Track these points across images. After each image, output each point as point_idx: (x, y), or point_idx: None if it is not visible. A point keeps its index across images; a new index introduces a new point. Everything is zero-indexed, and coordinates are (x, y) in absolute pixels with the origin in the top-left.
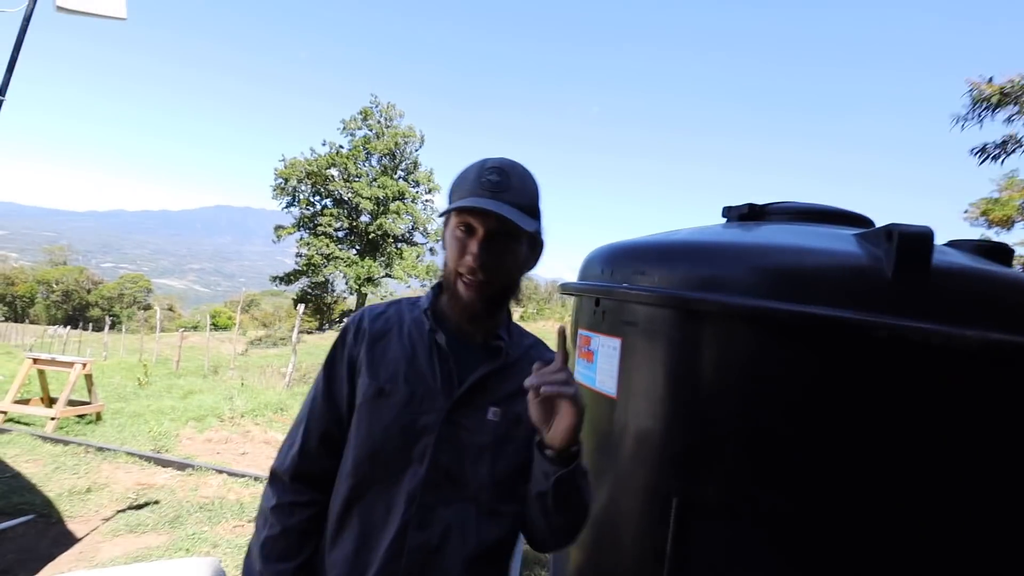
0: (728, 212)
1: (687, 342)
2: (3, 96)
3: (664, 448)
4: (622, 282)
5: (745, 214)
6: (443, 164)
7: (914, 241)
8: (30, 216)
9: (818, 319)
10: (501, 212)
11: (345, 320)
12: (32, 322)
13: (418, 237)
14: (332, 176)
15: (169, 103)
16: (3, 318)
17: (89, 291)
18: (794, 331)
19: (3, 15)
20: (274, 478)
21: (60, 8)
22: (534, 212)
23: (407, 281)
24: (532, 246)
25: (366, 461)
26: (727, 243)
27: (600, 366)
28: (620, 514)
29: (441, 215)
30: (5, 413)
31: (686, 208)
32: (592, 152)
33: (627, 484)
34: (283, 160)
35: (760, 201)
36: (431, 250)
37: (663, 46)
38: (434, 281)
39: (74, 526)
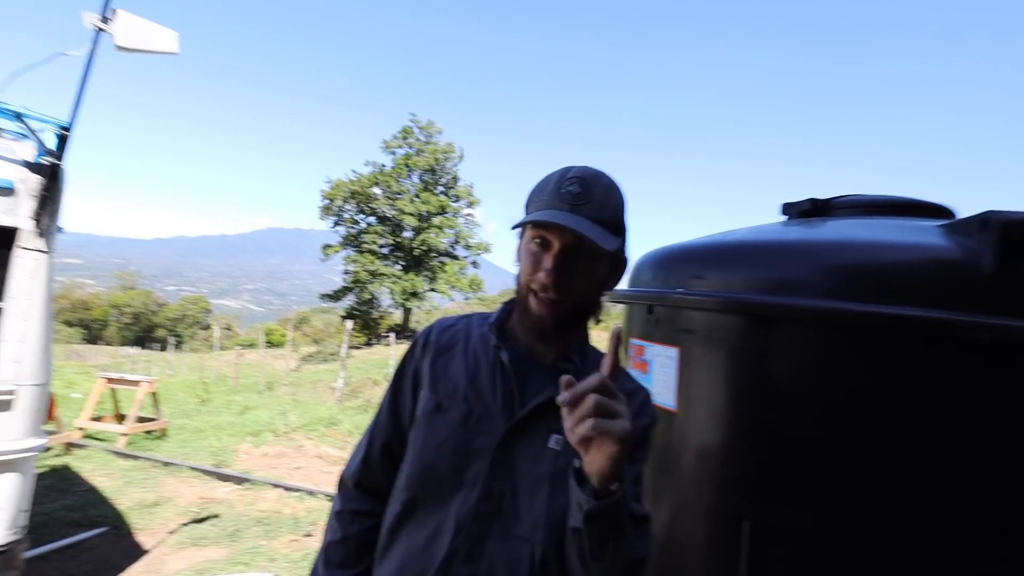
0: (788, 209)
1: (753, 350)
2: (71, 132)
3: (731, 466)
4: (676, 287)
5: (807, 210)
6: (483, 177)
7: (1018, 229)
8: (103, 245)
9: (906, 321)
10: (579, 229)
11: (391, 335)
12: (106, 343)
13: (460, 251)
14: (375, 194)
15: (223, 135)
16: (81, 340)
17: (155, 313)
18: (879, 335)
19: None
20: (341, 484)
21: (119, 47)
22: (617, 228)
23: (450, 295)
24: (614, 264)
25: (418, 478)
26: (792, 241)
27: (656, 377)
28: (683, 538)
29: (515, 227)
30: (83, 430)
31: (728, 217)
32: (632, 159)
33: (690, 505)
34: (328, 182)
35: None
36: (473, 263)
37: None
38: (478, 294)
39: (143, 538)
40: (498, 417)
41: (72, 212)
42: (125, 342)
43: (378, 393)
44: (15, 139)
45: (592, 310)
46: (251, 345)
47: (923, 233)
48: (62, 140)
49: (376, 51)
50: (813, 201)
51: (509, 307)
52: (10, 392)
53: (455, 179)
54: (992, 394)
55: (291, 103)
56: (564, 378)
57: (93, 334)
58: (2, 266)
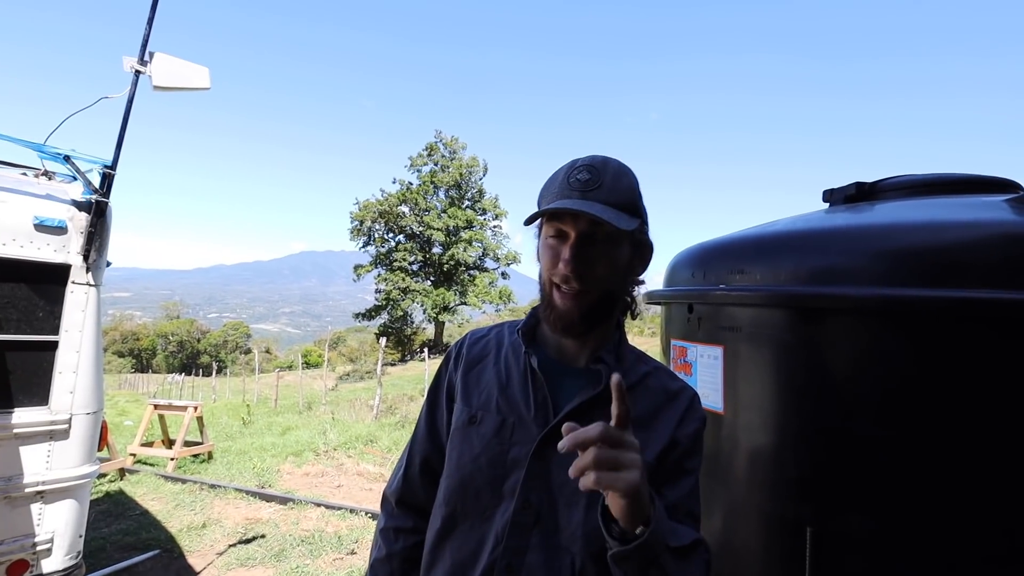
0: (831, 195)
1: (804, 345)
2: (114, 171)
3: (787, 469)
4: (717, 284)
5: (852, 195)
6: (508, 189)
7: None
8: (148, 278)
9: (975, 304)
10: (592, 212)
11: (424, 350)
12: (155, 371)
13: (489, 263)
14: (403, 213)
15: (254, 167)
16: (132, 370)
17: (199, 340)
18: (943, 322)
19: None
20: (384, 501)
21: (156, 87)
22: (632, 210)
23: (481, 307)
24: (636, 249)
25: (456, 493)
26: (840, 228)
27: (701, 378)
28: (738, 544)
29: (527, 222)
30: (134, 455)
31: (759, 211)
32: (656, 160)
33: (745, 512)
34: (356, 203)
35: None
36: (503, 275)
37: (718, 46)
38: (508, 305)
39: (193, 560)
40: (532, 425)
41: (119, 248)
42: (172, 369)
43: (414, 409)
44: (65, 181)
45: (620, 300)
46: (290, 367)
47: (989, 209)
48: (106, 179)
49: (400, 77)
50: (858, 185)
51: (537, 313)
52: (65, 422)
53: (481, 192)
54: None
55: (318, 128)
56: (566, 425)
57: (143, 363)
58: (56, 301)
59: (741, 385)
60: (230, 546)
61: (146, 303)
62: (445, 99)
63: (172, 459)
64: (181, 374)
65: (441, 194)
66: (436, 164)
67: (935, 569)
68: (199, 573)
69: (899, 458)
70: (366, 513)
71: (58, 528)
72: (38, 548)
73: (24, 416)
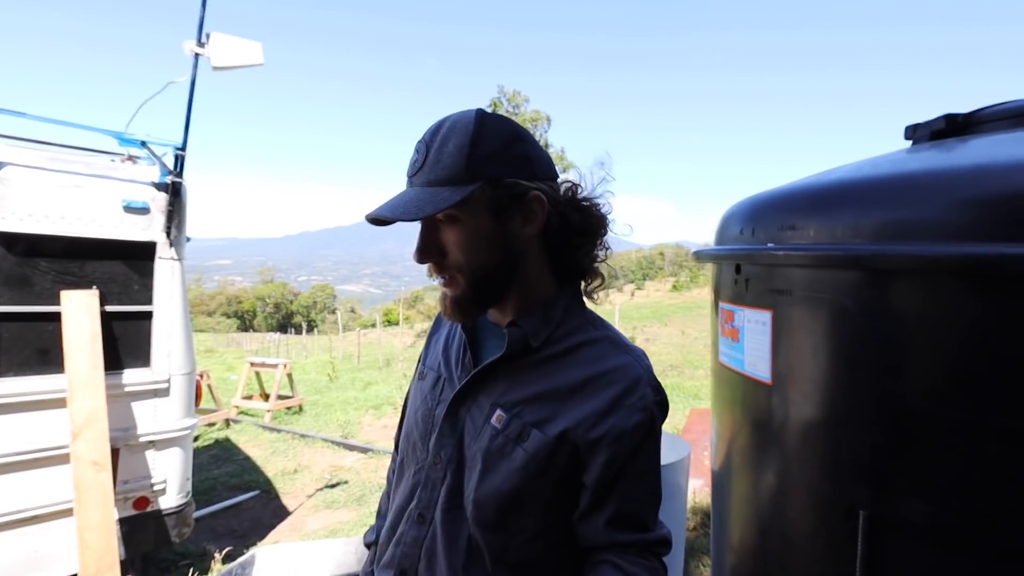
0: (914, 131)
1: (866, 311)
2: (184, 152)
3: (840, 448)
4: (767, 242)
5: (941, 129)
6: (574, 141)
7: None
8: (245, 246)
9: None
10: (388, 214)
11: None
12: (255, 331)
13: None
14: None
15: (328, 136)
16: (236, 329)
17: (291, 302)
18: None
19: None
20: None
21: (216, 68)
22: (459, 178)
23: None
24: (515, 204)
25: (403, 442)
26: (918, 172)
27: (748, 346)
28: (787, 526)
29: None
30: (238, 407)
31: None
32: (724, 105)
33: (794, 490)
34: None
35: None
36: None
37: None
38: None
39: (286, 501)
40: (457, 384)
41: (220, 220)
42: (271, 328)
43: None
44: (148, 163)
45: (519, 265)
46: (372, 325)
47: None
48: (179, 160)
49: (461, 31)
50: (948, 118)
51: None
52: (165, 381)
53: (546, 145)
54: None
55: (385, 91)
56: None
57: (245, 323)
58: (147, 275)
59: (791, 354)
60: (317, 490)
61: (245, 269)
62: (508, 47)
63: (268, 411)
64: (278, 333)
65: None
66: None
67: (1002, 563)
68: (292, 513)
69: (977, 443)
70: None
71: (169, 472)
72: (154, 488)
73: (132, 377)
